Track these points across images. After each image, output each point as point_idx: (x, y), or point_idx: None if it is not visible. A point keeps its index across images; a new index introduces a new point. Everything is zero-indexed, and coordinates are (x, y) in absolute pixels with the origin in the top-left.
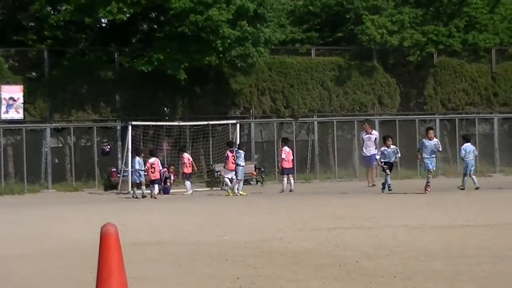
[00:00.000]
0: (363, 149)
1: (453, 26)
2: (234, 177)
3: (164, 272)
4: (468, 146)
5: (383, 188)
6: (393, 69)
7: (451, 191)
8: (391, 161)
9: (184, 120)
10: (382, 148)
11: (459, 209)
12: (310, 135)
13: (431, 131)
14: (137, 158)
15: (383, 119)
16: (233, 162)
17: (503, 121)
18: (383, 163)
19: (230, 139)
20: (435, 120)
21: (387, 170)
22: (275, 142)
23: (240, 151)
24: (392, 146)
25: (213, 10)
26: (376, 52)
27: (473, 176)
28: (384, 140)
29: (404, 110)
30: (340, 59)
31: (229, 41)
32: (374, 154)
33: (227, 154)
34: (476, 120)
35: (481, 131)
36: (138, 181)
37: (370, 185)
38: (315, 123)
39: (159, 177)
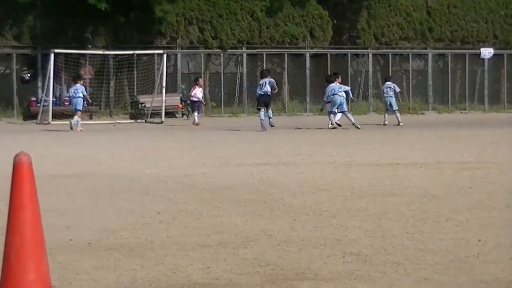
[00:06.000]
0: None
1: None
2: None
3: (81, 205)
4: (334, 85)
5: None
6: (326, 1)
7: (383, 128)
8: None
9: (108, 49)
10: None
11: (389, 147)
12: (238, 68)
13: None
14: (78, 85)
15: (314, 53)
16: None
17: (437, 57)
18: None
19: (157, 69)
20: (368, 54)
21: None
22: (202, 74)
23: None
24: None
25: None
26: None
27: (349, 115)
28: None
29: (337, 44)
30: None
31: None
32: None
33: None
34: (410, 55)
35: (415, 67)
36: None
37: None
38: (244, 55)
39: None
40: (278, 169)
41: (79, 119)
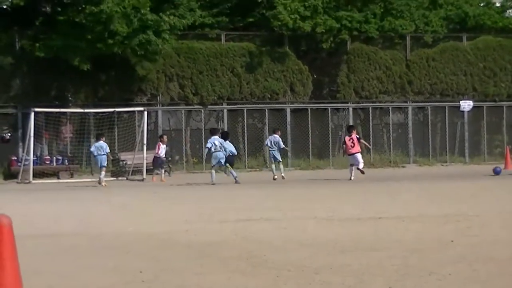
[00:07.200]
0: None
1: (370, 12)
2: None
3: (63, 265)
4: (215, 138)
5: None
6: (306, 55)
7: (363, 182)
8: None
9: (88, 107)
10: None
11: (370, 201)
12: (219, 124)
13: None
14: (101, 142)
15: (295, 108)
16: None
17: (417, 110)
18: None
19: (138, 126)
20: (348, 109)
21: None
22: (183, 130)
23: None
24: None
25: (107, 1)
26: (288, 38)
27: (230, 171)
28: None
29: (317, 98)
30: (251, 45)
31: (124, 34)
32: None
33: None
34: (390, 109)
35: (395, 120)
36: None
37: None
38: (225, 111)
39: None
40: (260, 225)
41: (104, 174)
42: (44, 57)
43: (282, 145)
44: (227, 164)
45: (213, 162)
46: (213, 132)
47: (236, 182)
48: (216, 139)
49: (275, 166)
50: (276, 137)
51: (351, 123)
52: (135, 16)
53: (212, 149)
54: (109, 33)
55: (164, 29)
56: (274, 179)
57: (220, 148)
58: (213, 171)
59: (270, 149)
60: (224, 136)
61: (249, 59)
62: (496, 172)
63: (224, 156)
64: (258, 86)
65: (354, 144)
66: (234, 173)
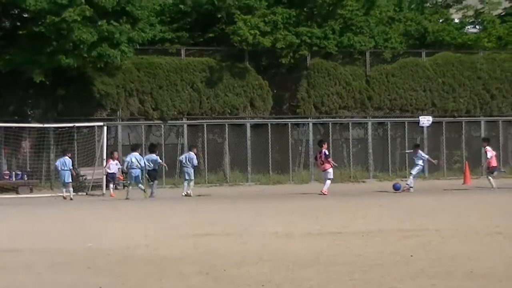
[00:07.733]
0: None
1: (329, 28)
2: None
3: (21, 281)
4: (132, 155)
5: None
6: (266, 71)
7: (324, 197)
8: None
9: (48, 122)
10: None
11: (331, 216)
12: (179, 139)
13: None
14: (66, 158)
15: (255, 123)
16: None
17: (377, 125)
18: None
19: (97, 141)
20: (308, 124)
21: None
22: (143, 146)
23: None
24: None
25: (68, 11)
26: (248, 53)
27: (140, 185)
28: None
29: (277, 113)
30: (211, 60)
31: (85, 43)
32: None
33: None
34: (350, 124)
35: (355, 136)
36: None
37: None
38: (185, 126)
39: None
40: (221, 239)
41: (71, 190)
42: (3, 72)
43: (196, 163)
44: (154, 181)
45: (129, 179)
46: (133, 148)
47: (151, 196)
48: (133, 156)
49: (187, 183)
50: (191, 154)
51: (310, 138)
52: (94, 27)
53: (128, 166)
54: (70, 45)
55: (122, 41)
56: (185, 195)
57: (137, 165)
58: (131, 187)
59: (184, 165)
60: (151, 149)
61: (209, 74)
62: (396, 188)
63: (140, 174)
64: (218, 101)
65: (322, 161)
66: (154, 189)
